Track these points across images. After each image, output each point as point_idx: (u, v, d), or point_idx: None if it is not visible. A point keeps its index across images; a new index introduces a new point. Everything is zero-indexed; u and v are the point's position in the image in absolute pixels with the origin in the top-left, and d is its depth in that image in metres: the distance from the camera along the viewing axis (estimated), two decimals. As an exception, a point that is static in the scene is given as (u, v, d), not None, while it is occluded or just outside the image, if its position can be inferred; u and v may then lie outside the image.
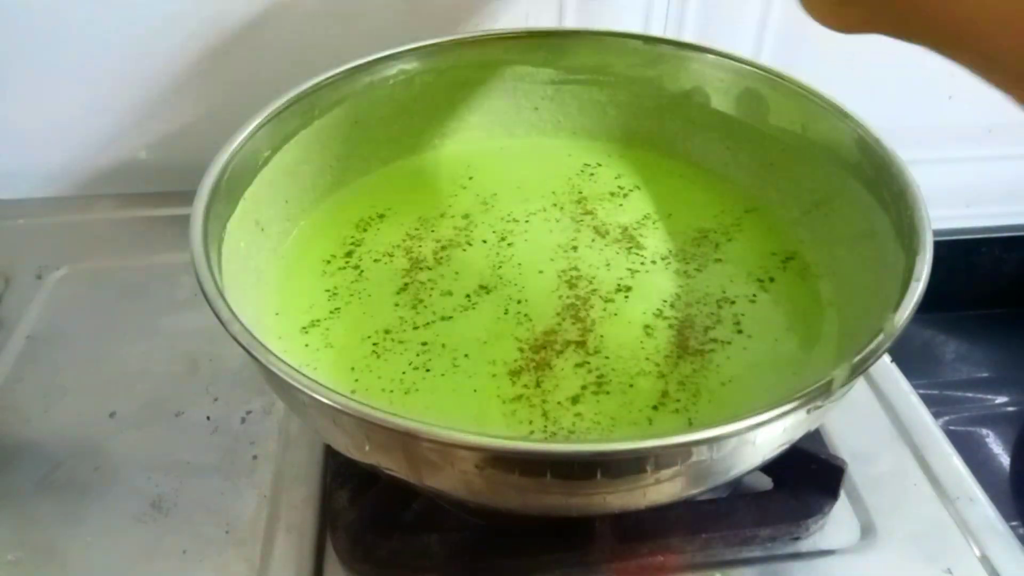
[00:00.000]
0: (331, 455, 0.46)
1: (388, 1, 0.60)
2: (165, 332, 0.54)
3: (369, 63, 0.51)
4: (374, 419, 0.30)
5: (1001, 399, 0.69)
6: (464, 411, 0.40)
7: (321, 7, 0.60)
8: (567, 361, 0.42)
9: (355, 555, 0.40)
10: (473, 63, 0.54)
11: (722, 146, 0.54)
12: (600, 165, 0.56)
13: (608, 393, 0.40)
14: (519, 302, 0.45)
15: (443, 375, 0.41)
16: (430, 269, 0.48)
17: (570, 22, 0.63)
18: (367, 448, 0.33)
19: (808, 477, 0.43)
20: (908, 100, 0.69)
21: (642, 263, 0.48)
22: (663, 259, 0.48)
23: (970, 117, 0.71)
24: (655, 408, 0.39)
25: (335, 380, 0.41)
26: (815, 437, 0.46)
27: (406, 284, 0.47)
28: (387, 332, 0.44)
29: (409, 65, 0.53)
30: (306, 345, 0.43)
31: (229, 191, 0.42)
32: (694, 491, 0.34)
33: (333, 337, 0.43)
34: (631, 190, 0.54)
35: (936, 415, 0.50)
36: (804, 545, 0.43)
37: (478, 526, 0.41)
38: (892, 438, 0.49)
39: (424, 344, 0.43)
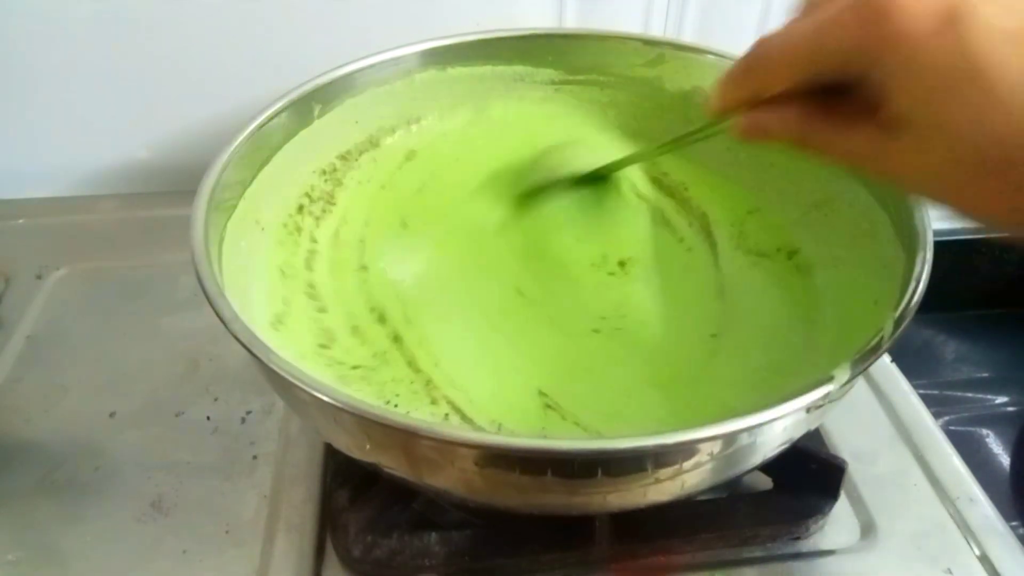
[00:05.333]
0: (331, 455, 0.46)
1: (389, 2, 0.60)
2: (165, 332, 0.54)
3: (369, 63, 0.51)
4: (374, 417, 0.30)
5: (1001, 399, 0.69)
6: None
7: (322, 7, 0.60)
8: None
9: (355, 555, 0.40)
10: (473, 63, 0.54)
11: (722, 146, 0.54)
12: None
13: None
14: (522, 293, 0.45)
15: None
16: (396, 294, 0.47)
17: (570, 22, 0.63)
18: (367, 447, 0.33)
19: (808, 477, 0.43)
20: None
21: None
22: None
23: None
24: (655, 408, 0.39)
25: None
26: (815, 437, 0.46)
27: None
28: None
29: (409, 65, 0.53)
30: (306, 345, 0.43)
31: (229, 191, 0.42)
32: (694, 490, 0.34)
33: (333, 337, 0.43)
34: (631, 190, 0.54)
35: (936, 415, 0.50)
36: (804, 545, 0.43)
37: (478, 526, 0.41)
38: (892, 438, 0.49)
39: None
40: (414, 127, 0.54)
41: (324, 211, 0.48)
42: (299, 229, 0.47)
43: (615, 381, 0.41)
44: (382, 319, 0.43)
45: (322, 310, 0.44)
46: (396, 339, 0.42)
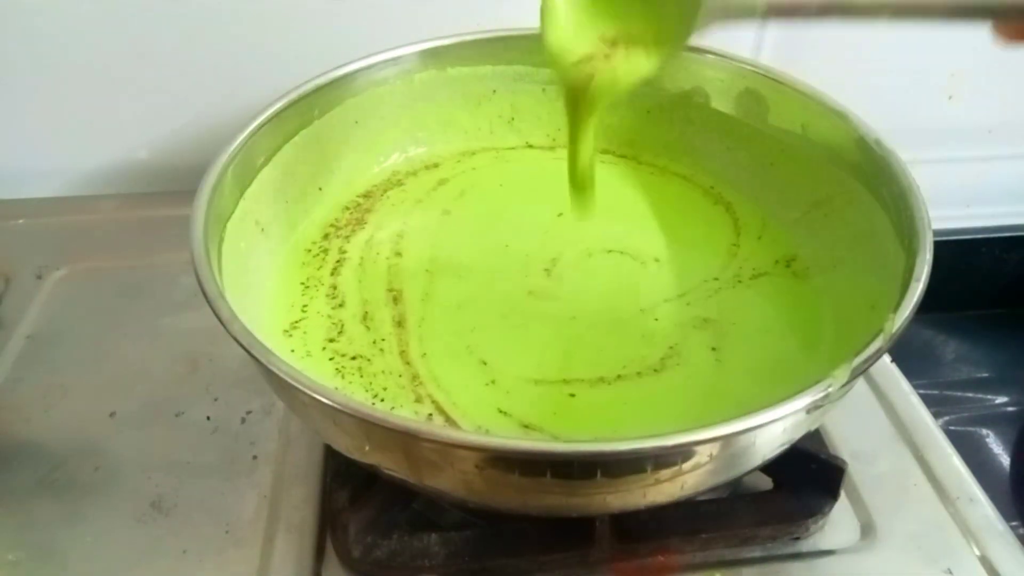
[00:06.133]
0: (331, 455, 0.46)
1: (389, 1, 0.60)
2: (165, 332, 0.54)
3: (369, 63, 0.51)
4: (374, 419, 0.30)
5: (1001, 399, 0.69)
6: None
7: (322, 6, 0.60)
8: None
9: (355, 555, 0.40)
10: (473, 63, 0.54)
11: (722, 146, 0.54)
12: (600, 164, 0.56)
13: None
14: (529, 292, 0.46)
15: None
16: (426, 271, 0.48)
17: (570, 22, 0.63)
18: (367, 448, 0.33)
19: (808, 477, 0.43)
20: (908, 100, 0.69)
21: (642, 263, 0.48)
22: (661, 260, 0.48)
23: (970, 117, 0.71)
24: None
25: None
26: (815, 437, 0.46)
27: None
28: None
29: (409, 65, 0.53)
30: (306, 345, 0.43)
31: (229, 191, 0.42)
32: (694, 491, 0.34)
33: (333, 337, 0.43)
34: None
35: (936, 415, 0.50)
36: (804, 545, 0.43)
37: (478, 526, 0.41)
38: (892, 438, 0.48)
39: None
40: (434, 170, 0.55)
41: (353, 231, 0.50)
42: (326, 251, 0.48)
43: (616, 394, 0.41)
44: (397, 299, 0.44)
45: (340, 305, 0.44)
46: (399, 323, 0.43)
